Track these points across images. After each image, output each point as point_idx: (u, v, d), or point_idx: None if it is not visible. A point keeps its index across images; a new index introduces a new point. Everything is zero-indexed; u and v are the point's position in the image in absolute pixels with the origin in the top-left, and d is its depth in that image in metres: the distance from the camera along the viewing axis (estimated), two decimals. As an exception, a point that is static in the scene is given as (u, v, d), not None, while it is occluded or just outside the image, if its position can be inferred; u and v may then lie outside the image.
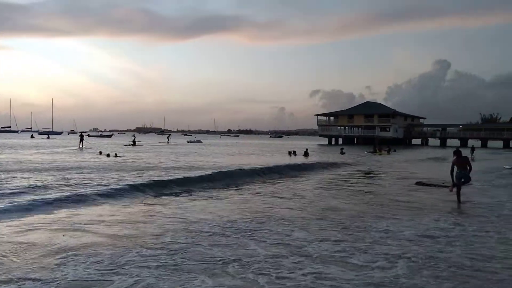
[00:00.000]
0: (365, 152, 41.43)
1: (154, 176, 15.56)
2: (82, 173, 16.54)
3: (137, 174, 16.50)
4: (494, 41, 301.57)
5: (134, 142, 49.66)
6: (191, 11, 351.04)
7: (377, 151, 41.05)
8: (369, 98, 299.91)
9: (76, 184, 13.02)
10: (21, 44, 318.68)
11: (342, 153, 38.74)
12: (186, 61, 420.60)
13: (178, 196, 11.68)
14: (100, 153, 30.13)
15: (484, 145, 73.98)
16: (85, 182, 13.64)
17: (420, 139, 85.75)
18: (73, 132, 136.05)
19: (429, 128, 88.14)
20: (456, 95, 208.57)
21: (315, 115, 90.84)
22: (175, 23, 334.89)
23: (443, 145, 77.97)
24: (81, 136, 44.98)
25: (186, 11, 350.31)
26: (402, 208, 10.11)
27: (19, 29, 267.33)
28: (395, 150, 42.99)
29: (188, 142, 69.02)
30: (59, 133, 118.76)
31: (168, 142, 63.89)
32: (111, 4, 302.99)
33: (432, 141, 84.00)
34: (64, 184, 12.98)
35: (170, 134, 77.94)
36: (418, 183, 15.48)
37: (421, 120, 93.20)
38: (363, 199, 11.63)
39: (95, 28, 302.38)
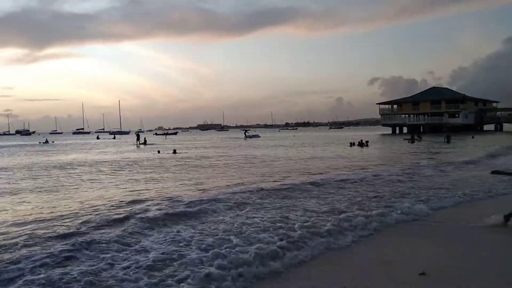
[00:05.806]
0: (402, 139, 42.72)
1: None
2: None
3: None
4: None
5: (145, 140, 48.26)
6: (245, 6, 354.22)
7: (415, 139, 41.08)
8: (432, 83, 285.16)
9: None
10: (90, 51, 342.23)
11: (413, 141, 38.34)
12: (242, 56, 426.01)
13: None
14: (159, 152, 31.97)
15: None
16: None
17: (494, 125, 79.61)
18: (140, 131, 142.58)
19: (503, 113, 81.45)
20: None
21: (376, 103, 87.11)
22: (230, 19, 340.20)
23: (520, 130, 71.89)
24: (138, 135, 49.33)
25: (240, 7, 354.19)
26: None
27: (88, 37, 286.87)
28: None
29: (246, 136, 70.11)
30: (127, 133, 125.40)
31: (245, 138, 64.96)
32: (167, 6, 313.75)
33: (507, 126, 77.61)
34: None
35: (247, 130, 78.51)
36: (494, 172, 14.27)
37: (494, 104, 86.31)
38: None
39: (154, 31, 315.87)
